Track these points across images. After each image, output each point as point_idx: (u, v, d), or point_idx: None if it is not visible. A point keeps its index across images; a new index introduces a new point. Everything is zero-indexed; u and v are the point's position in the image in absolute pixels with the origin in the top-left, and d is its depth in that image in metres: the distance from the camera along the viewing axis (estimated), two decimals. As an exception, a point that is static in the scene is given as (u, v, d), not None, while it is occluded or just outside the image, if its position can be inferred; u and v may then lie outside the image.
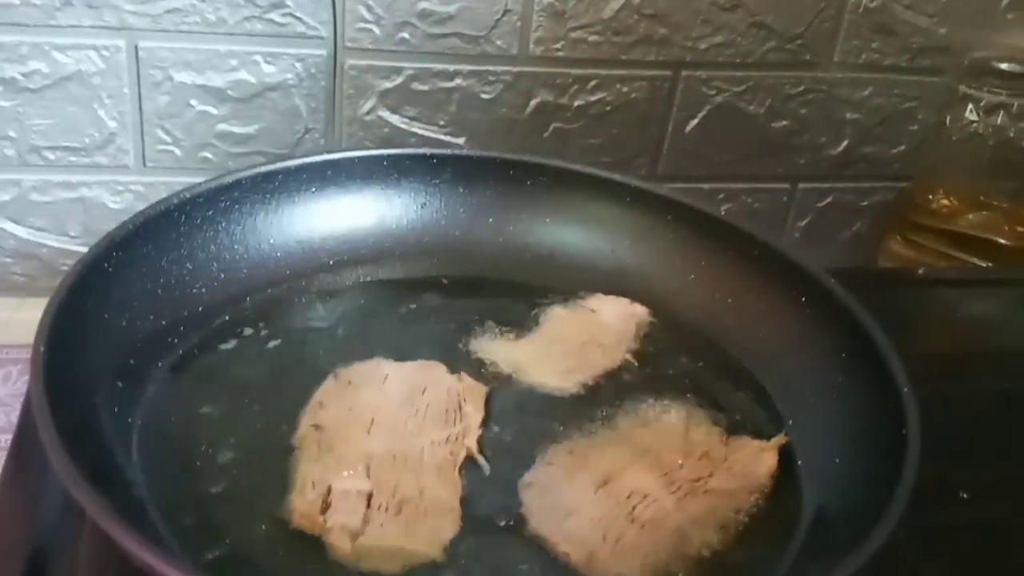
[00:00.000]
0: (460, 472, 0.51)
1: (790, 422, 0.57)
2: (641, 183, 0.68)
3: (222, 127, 0.82)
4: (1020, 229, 0.92)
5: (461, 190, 0.68)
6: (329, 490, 0.48)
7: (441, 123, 0.86)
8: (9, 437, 0.70)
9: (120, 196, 0.82)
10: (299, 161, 0.64)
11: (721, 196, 0.97)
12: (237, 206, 0.61)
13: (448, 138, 0.87)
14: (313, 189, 0.64)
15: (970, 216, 0.93)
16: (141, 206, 0.81)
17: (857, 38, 0.92)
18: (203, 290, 0.58)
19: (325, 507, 0.47)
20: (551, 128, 0.89)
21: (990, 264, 0.91)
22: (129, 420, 0.50)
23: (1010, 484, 0.62)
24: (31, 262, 0.83)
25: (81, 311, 0.49)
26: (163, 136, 0.81)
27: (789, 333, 0.60)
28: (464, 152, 0.71)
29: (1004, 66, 0.89)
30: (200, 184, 0.59)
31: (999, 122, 0.89)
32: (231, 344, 0.57)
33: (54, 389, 0.43)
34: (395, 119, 0.85)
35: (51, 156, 0.80)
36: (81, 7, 0.75)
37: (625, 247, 0.67)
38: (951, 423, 0.66)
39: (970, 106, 0.90)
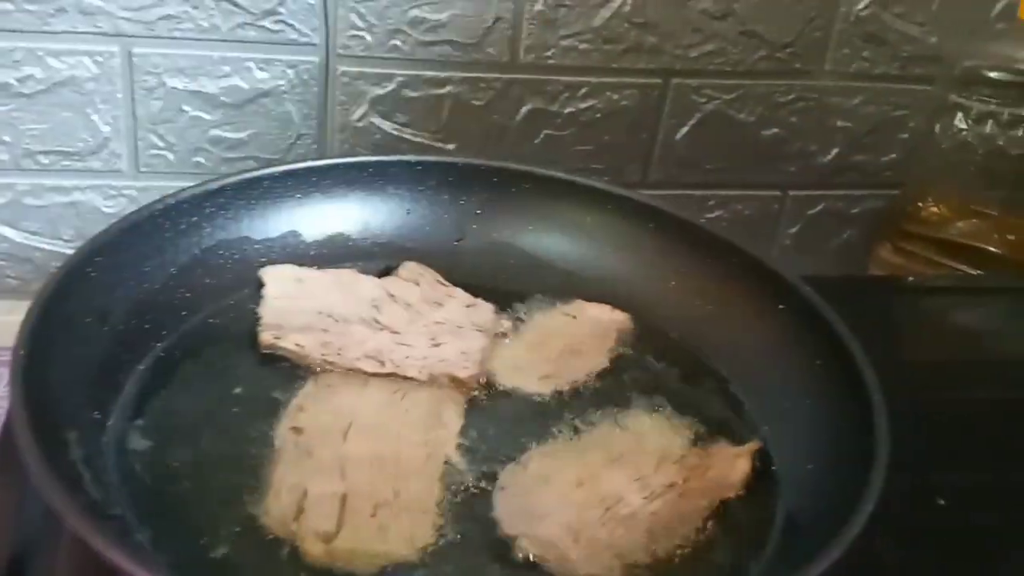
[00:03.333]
0: (437, 475, 0.52)
1: (766, 427, 0.57)
2: (623, 191, 0.69)
3: (215, 132, 0.83)
4: (1010, 237, 0.92)
5: (446, 197, 0.69)
6: (304, 494, 0.48)
7: (432, 130, 0.87)
8: None
9: (114, 200, 0.83)
10: (284, 168, 0.65)
11: (712, 203, 0.98)
12: (222, 212, 0.62)
13: (439, 144, 0.88)
14: (299, 195, 0.65)
15: (960, 224, 0.94)
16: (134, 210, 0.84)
17: (848, 47, 0.92)
18: (187, 294, 0.59)
19: (299, 511, 0.48)
20: (542, 135, 0.89)
21: (980, 272, 0.91)
22: (108, 422, 0.50)
23: (988, 491, 0.63)
24: (25, 265, 0.84)
25: (63, 315, 0.50)
26: (156, 141, 0.82)
27: (766, 340, 0.60)
28: (448, 159, 0.71)
29: (994, 75, 0.89)
30: (185, 190, 0.60)
31: (988, 131, 0.90)
32: (213, 347, 0.58)
33: (33, 393, 0.44)
34: (387, 125, 0.86)
35: (45, 160, 0.81)
36: (75, 13, 0.76)
37: (607, 254, 0.68)
38: (937, 430, 0.66)
39: (960, 115, 0.90)
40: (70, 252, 0.82)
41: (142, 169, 0.83)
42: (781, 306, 0.60)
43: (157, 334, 0.57)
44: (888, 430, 0.49)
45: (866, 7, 0.90)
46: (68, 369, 0.49)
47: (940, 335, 0.83)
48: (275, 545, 0.47)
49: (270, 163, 0.83)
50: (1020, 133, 0.88)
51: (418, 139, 0.87)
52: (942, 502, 0.61)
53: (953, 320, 0.85)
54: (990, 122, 0.90)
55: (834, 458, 0.52)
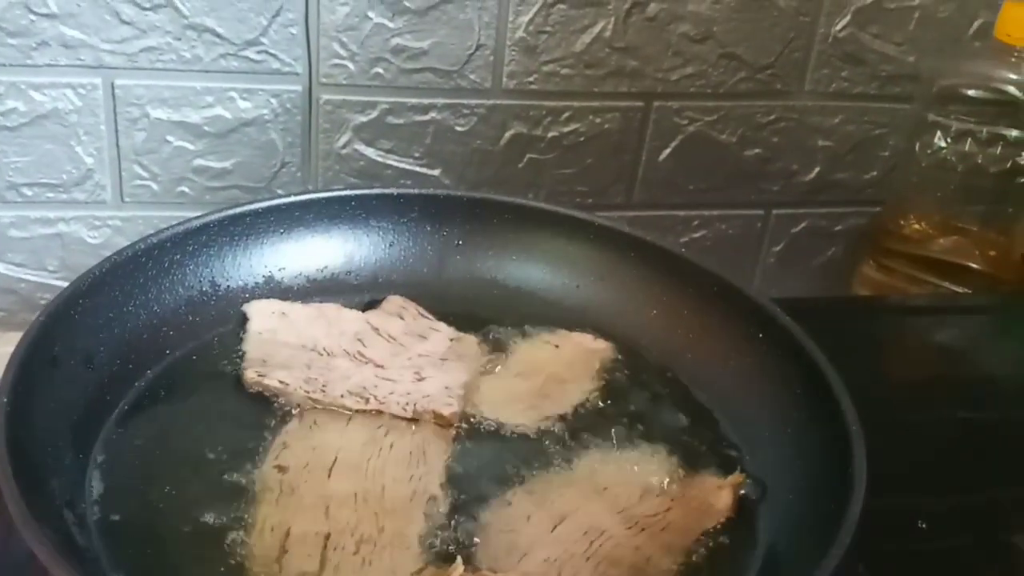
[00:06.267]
0: (421, 512, 0.52)
1: (747, 457, 0.58)
2: (604, 221, 0.70)
3: (199, 162, 0.83)
4: (991, 253, 0.93)
5: (428, 228, 0.69)
6: (287, 533, 0.49)
7: (416, 155, 0.87)
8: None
9: (98, 231, 0.83)
10: (267, 203, 0.65)
11: (696, 223, 0.98)
12: (205, 249, 0.62)
13: (424, 170, 0.88)
14: (281, 230, 0.66)
15: (941, 240, 0.94)
16: (119, 240, 0.84)
17: (827, 67, 0.93)
18: (171, 333, 0.59)
19: (282, 551, 0.48)
20: (526, 159, 0.90)
21: (962, 289, 0.92)
22: (90, 463, 0.51)
23: (969, 513, 0.63)
24: (10, 297, 0.84)
25: (46, 358, 0.50)
26: (140, 172, 0.82)
27: (746, 368, 0.61)
28: (431, 191, 0.72)
29: (971, 93, 0.90)
30: (167, 229, 0.60)
31: (967, 148, 0.90)
32: (197, 384, 0.58)
33: (16, 439, 0.44)
34: (371, 152, 0.86)
35: (29, 193, 0.81)
36: (57, 46, 0.76)
37: (588, 283, 0.69)
38: (921, 451, 0.67)
39: (939, 133, 0.91)
40: (55, 283, 0.84)
41: (126, 200, 0.83)
42: (760, 335, 0.61)
43: (141, 373, 0.57)
44: (865, 461, 0.50)
45: (844, 28, 0.91)
46: (52, 412, 0.50)
47: (923, 355, 0.84)
48: (257, 584, 0.47)
49: (254, 192, 0.84)
50: (998, 150, 0.89)
51: (402, 165, 0.87)
52: (923, 525, 0.61)
53: (936, 339, 0.86)
54: (968, 140, 0.90)
55: (814, 488, 0.53)
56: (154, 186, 0.83)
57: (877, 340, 0.83)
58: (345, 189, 0.72)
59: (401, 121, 0.86)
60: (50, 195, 0.81)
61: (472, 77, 0.85)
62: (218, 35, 0.79)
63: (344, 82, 0.83)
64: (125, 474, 0.51)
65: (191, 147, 0.82)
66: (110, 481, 0.50)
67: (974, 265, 0.93)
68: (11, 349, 0.49)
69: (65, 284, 0.82)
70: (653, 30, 0.87)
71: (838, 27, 0.91)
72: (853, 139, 0.97)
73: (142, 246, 0.58)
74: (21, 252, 0.83)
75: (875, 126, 0.97)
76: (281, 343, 0.60)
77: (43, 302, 0.83)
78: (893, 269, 0.95)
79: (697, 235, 0.98)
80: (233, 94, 0.81)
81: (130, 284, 0.58)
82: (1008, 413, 0.73)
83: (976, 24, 0.94)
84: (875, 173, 1.00)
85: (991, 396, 0.76)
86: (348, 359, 0.60)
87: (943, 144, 0.91)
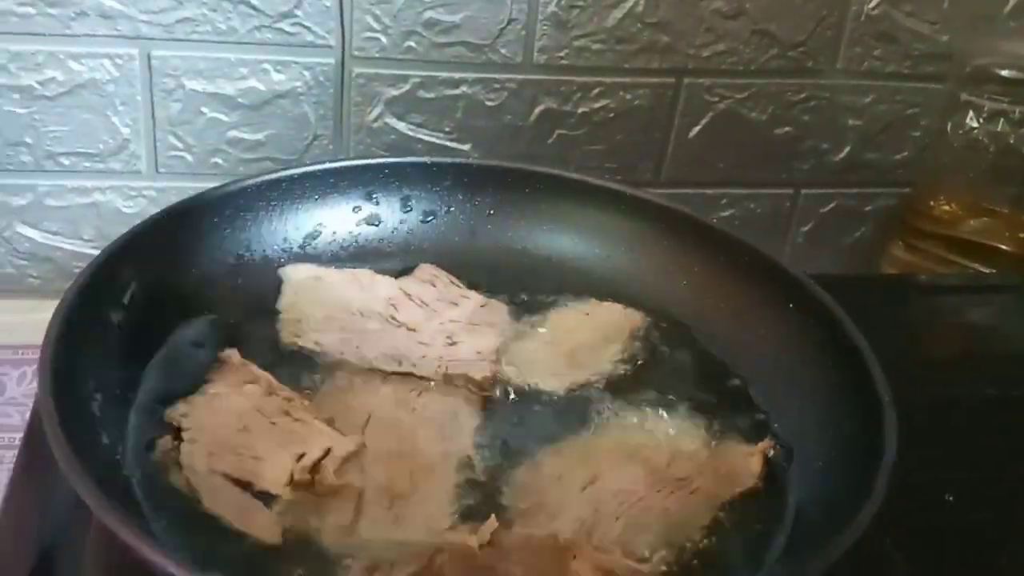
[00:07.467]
0: (452, 472, 0.53)
1: (776, 424, 0.58)
2: (635, 191, 0.70)
3: (232, 134, 0.84)
4: (1021, 235, 0.93)
5: (460, 197, 0.70)
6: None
7: (447, 130, 0.88)
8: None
9: (133, 201, 0.85)
10: (303, 169, 0.66)
11: (724, 201, 0.98)
12: (242, 213, 0.63)
13: (454, 145, 0.89)
14: (316, 197, 0.66)
15: (972, 222, 0.94)
16: (153, 210, 0.84)
17: (859, 45, 0.93)
18: (209, 294, 0.60)
19: (318, 504, 0.49)
20: (555, 135, 0.90)
21: (991, 270, 0.92)
22: (129, 416, 0.52)
23: (997, 488, 0.63)
24: (46, 265, 0.85)
25: (87, 316, 0.51)
26: (175, 142, 0.83)
27: (778, 338, 0.61)
28: (464, 160, 0.72)
29: (1005, 73, 0.90)
30: (205, 192, 0.61)
31: (999, 129, 0.90)
32: (235, 345, 0.59)
33: (61, 389, 0.45)
34: (402, 126, 0.87)
35: (66, 162, 0.82)
36: (95, 17, 0.77)
37: (620, 253, 0.69)
38: (947, 427, 0.67)
39: (971, 113, 0.91)
40: (91, 252, 0.85)
41: (161, 170, 0.84)
42: (791, 304, 0.61)
43: (180, 332, 0.58)
44: (896, 430, 0.50)
45: (877, 6, 0.91)
46: (95, 364, 0.51)
47: (951, 333, 0.84)
48: (293, 535, 0.47)
49: (287, 164, 0.85)
50: (1031, 131, 0.89)
51: (432, 139, 0.88)
52: (950, 498, 0.61)
53: (964, 318, 0.86)
54: (1001, 120, 0.90)
55: (842, 455, 0.53)
56: (188, 157, 0.84)
57: (905, 318, 0.83)
58: (380, 157, 0.72)
59: (432, 95, 0.86)
60: (87, 164, 0.82)
61: (503, 51, 0.86)
62: (253, 7, 0.80)
63: (376, 55, 0.84)
64: (163, 428, 0.52)
65: (225, 119, 0.83)
66: (152, 432, 0.51)
67: (1004, 247, 0.92)
68: (48, 316, 0.50)
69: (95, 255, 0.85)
70: (685, 5, 0.87)
71: (871, 5, 0.91)
72: (884, 119, 0.97)
73: (180, 208, 0.59)
74: (58, 221, 0.84)
75: (907, 106, 0.97)
76: (316, 306, 0.61)
77: (78, 271, 0.85)
78: (922, 250, 0.95)
79: (726, 214, 0.98)
80: (267, 66, 0.82)
81: (167, 246, 0.59)
82: (1036, 391, 0.73)
83: (1011, 3, 0.93)
84: (906, 153, 0.99)
85: (1019, 374, 0.76)
86: (381, 323, 0.61)
87: (975, 124, 0.91)
